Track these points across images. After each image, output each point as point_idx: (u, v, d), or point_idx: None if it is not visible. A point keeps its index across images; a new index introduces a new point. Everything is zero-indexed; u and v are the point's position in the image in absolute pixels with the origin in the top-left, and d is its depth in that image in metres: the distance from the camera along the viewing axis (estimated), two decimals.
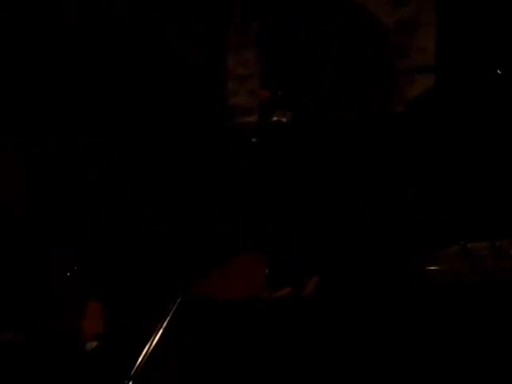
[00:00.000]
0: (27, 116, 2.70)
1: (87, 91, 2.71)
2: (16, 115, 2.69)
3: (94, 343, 2.55)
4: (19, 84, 2.70)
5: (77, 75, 2.71)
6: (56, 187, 2.66)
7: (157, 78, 2.71)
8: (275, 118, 2.58)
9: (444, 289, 1.76)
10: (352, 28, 2.65)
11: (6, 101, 2.69)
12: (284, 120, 2.58)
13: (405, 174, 2.50)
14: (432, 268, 1.68)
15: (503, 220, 2.14)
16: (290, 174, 2.58)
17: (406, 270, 2.21)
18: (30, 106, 2.70)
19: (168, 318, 2.41)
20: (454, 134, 2.46)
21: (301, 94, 2.63)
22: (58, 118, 2.70)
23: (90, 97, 2.71)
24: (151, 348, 2.36)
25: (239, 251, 2.56)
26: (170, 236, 2.66)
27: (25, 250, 2.62)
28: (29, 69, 2.70)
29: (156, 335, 2.38)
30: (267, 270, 2.49)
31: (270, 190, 2.59)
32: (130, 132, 2.71)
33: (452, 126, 2.49)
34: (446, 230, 2.15)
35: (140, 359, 2.34)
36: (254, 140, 2.61)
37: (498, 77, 2.49)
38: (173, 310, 2.43)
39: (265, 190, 2.59)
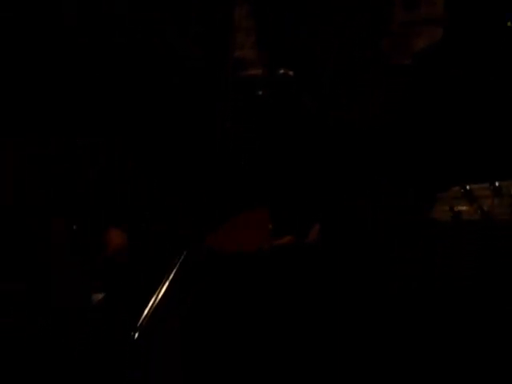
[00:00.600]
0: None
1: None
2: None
3: (100, 295, 2.56)
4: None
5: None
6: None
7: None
8: (282, 71, 2.57)
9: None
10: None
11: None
12: (290, 73, 2.56)
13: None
14: (433, 208, 1.68)
15: (503, 161, 2.14)
16: (293, 129, 2.58)
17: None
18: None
19: (174, 271, 2.42)
20: (461, 85, 2.44)
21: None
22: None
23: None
24: (157, 300, 2.38)
25: (244, 206, 2.56)
26: (177, 193, 2.67)
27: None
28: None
29: (162, 288, 2.39)
30: (270, 224, 2.49)
31: (273, 146, 2.58)
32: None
33: (458, 78, 2.48)
34: (448, 173, 2.16)
35: (146, 311, 2.35)
36: (259, 93, 2.60)
37: (507, 29, 2.47)
38: (179, 263, 2.44)
39: (268, 147, 2.59)
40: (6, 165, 2.68)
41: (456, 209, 1.63)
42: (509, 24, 2.52)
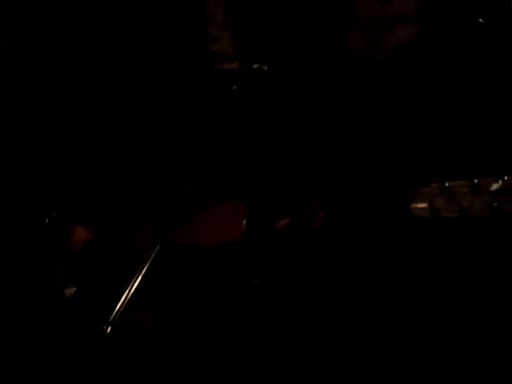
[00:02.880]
0: None
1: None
2: None
3: (73, 289, 2.55)
4: None
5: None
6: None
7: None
8: (256, 66, 2.57)
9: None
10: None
11: None
12: (265, 68, 2.57)
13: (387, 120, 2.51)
14: (413, 205, 1.70)
15: (482, 159, 2.17)
16: (270, 122, 2.58)
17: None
18: None
19: (147, 265, 2.42)
20: (435, 81, 2.46)
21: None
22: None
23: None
24: (130, 294, 2.37)
25: (219, 198, 2.56)
26: (152, 182, 2.66)
27: None
28: None
29: (135, 281, 2.39)
30: (245, 217, 2.50)
31: (250, 138, 2.59)
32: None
33: (433, 74, 2.49)
34: (427, 170, 2.18)
35: (118, 305, 2.35)
36: (234, 87, 2.60)
37: (479, 25, 2.49)
38: (152, 257, 2.43)
39: (246, 138, 2.59)
40: None
41: (435, 205, 1.64)
42: (480, 20, 2.54)
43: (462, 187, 1.64)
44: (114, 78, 2.74)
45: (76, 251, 2.60)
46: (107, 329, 2.33)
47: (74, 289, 2.56)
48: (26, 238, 2.51)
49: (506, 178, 1.59)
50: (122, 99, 2.73)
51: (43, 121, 2.74)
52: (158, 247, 2.47)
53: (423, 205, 1.69)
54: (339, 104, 2.55)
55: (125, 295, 2.38)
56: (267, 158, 2.55)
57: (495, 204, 1.56)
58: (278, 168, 2.55)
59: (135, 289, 2.39)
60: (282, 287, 2.42)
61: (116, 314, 2.34)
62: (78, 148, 2.74)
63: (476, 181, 1.62)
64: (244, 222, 2.50)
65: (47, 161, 2.70)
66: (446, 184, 1.66)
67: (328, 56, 2.63)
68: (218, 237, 2.49)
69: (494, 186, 1.59)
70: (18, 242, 2.50)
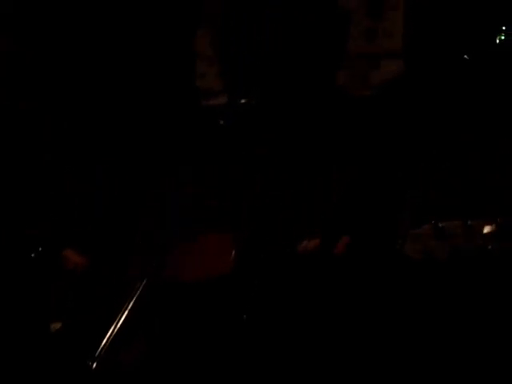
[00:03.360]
0: None
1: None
2: None
3: (58, 324, 2.53)
4: None
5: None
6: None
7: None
8: (243, 101, 2.58)
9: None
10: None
11: None
12: (253, 102, 2.58)
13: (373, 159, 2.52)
14: (406, 245, 1.70)
15: (475, 200, 2.18)
16: (259, 153, 2.58)
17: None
18: None
19: (133, 300, 2.40)
20: (422, 118, 2.48)
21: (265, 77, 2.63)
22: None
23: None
24: (116, 329, 2.35)
25: (206, 229, 2.54)
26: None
27: None
28: None
29: (121, 316, 2.37)
30: (234, 250, 2.47)
31: (239, 170, 2.59)
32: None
33: (419, 111, 2.51)
34: (420, 210, 2.18)
35: (105, 340, 2.33)
36: (221, 122, 2.61)
37: (465, 62, 2.52)
38: (138, 292, 2.42)
39: (234, 171, 2.59)
40: None
41: (428, 247, 1.65)
42: (465, 57, 2.57)
43: (455, 228, 1.66)
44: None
45: (66, 279, 2.58)
46: (93, 364, 2.30)
47: (60, 324, 2.54)
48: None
49: (498, 220, 1.60)
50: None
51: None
52: (144, 282, 2.45)
53: (416, 246, 1.70)
54: (328, 137, 2.57)
55: (111, 330, 2.36)
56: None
57: (489, 247, 1.57)
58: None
59: (121, 324, 2.38)
60: (274, 324, 2.41)
61: (102, 350, 2.32)
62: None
63: (469, 222, 1.64)
64: (233, 254, 2.47)
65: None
66: (440, 225, 1.67)
67: (317, 91, 2.65)
68: (206, 271, 2.47)
69: (487, 229, 1.60)
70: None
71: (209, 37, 2.70)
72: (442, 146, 2.40)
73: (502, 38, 2.53)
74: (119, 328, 2.36)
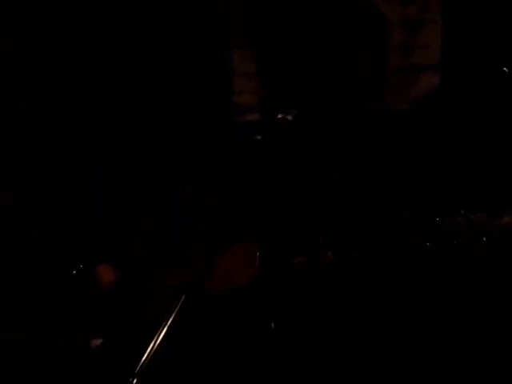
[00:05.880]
0: None
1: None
2: None
3: (99, 340, 2.54)
4: None
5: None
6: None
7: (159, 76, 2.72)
8: (280, 116, 2.58)
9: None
10: (352, 22, 2.65)
11: None
12: (289, 117, 2.57)
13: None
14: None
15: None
16: (291, 168, 2.58)
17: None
18: None
19: (173, 316, 2.41)
20: (457, 130, 2.47)
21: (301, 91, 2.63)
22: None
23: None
24: (156, 345, 2.36)
25: (233, 240, 2.54)
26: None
27: None
28: None
29: (161, 332, 2.38)
30: (258, 259, 2.47)
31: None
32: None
33: (455, 123, 2.50)
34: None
35: (145, 356, 2.34)
36: (257, 137, 2.61)
37: (504, 74, 2.50)
38: (177, 308, 2.43)
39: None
40: None
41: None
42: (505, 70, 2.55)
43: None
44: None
45: (101, 295, 2.60)
46: (133, 380, 2.31)
47: (100, 340, 2.56)
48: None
49: None
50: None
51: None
52: (182, 298, 2.46)
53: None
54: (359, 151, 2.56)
55: (151, 346, 2.36)
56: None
57: None
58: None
59: (161, 340, 2.39)
60: (301, 330, 2.40)
61: (142, 365, 2.33)
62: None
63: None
64: (257, 262, 2.47)
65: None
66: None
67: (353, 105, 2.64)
68: (235, 281, 2.47)
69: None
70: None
71: (247, 54, 2.72)
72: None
73: None
74: (159, 343, 2.37)
